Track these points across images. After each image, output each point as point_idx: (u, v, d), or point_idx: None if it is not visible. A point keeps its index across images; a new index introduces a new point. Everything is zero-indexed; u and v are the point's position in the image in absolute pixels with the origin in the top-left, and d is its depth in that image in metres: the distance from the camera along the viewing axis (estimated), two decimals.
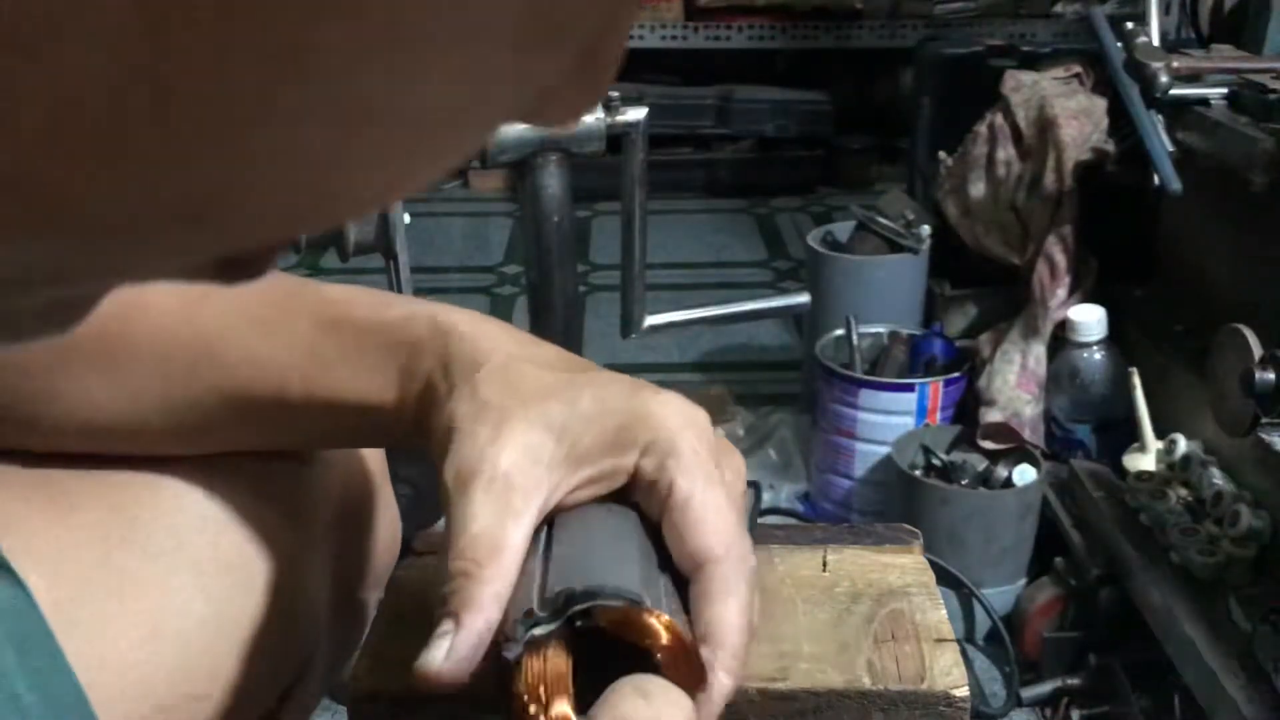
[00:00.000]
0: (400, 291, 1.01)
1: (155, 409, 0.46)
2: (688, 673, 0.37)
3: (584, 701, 0.35)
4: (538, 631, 0.36)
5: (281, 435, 0.48)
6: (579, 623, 0.36)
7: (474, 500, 0.39)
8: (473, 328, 0.45)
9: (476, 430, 0.40)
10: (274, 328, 0.46)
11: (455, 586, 0.38)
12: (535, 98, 0.19)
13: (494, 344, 0.43)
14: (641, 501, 0.42)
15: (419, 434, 0.44)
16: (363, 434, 0.48)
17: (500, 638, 0.37)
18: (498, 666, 0.36)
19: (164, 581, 0.46)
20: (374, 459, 0.57)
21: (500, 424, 0.40)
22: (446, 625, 0.37)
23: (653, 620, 0.36)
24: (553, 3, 0.17)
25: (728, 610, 0.39)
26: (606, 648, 0.36)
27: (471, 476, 0.39)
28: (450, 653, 0.37)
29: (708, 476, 0.40)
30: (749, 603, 0.39)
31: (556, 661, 0.36)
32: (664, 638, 0.36)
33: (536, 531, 0.40)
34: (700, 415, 0.42)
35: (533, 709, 0.35)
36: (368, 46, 0.15)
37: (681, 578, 0.40)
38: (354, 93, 0.15)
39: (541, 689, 0.35)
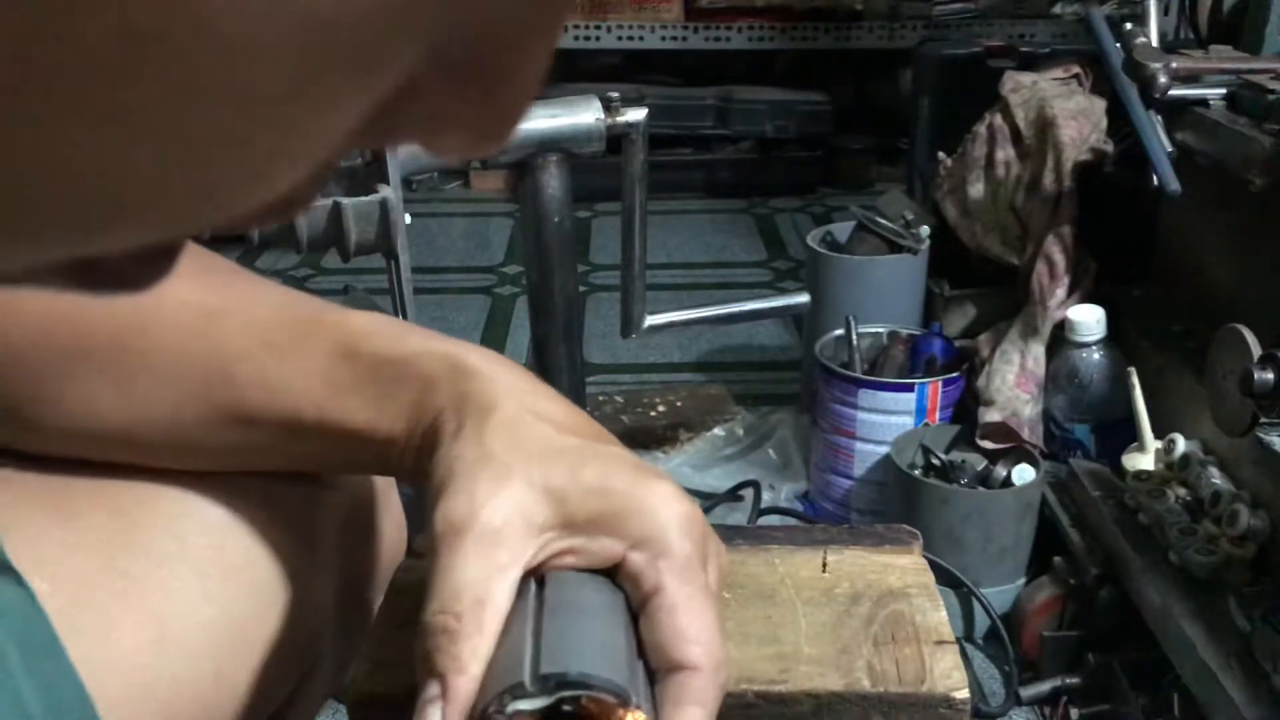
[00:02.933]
0: (400, 291, 1.01)
1: (163, 423, 0.46)
2: None
3: None
4: (523, 706, 0.36)
5: (286, 460, 0.48)
6: (565, 707, 0.37)
7: (462, 552, 0.39)
8: (489, 370, 0.44)
9: (476, 480, 0.40)
10: (289, 352, 0.46)
11: (439, 644, 0.38)
12: (393, 127, 0.20)
13: (509, 391, 0.43)
14: (625, 586, 0.41)
15: (418, 470, 0.44)
16: (366, 464, 0.48)
17: (481, 704, 0.37)
18: None
19: (168, 585, 0.46)
20: None
21: (501, 478, 0.40)
22: (433, 689, 0.37)
23: (634, 717, 0.37)
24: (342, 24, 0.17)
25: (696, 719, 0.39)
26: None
27: (464, 527, 0.39)
28: None
29: (695, 583, 0.40)
30: (715, 711, 0.39)
31: None
32: None
33: (524, 584, 0.40)
34: (695, 512, 0.42)
35: None
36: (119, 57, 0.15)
37: (649, 668, 0.40)
38: (114, 101, 0.16)
39: None
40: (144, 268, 0.22)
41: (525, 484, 0.40)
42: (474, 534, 0.39)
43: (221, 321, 0.46)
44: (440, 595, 0.38)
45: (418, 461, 0.44)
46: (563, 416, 0.44)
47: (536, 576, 0.41)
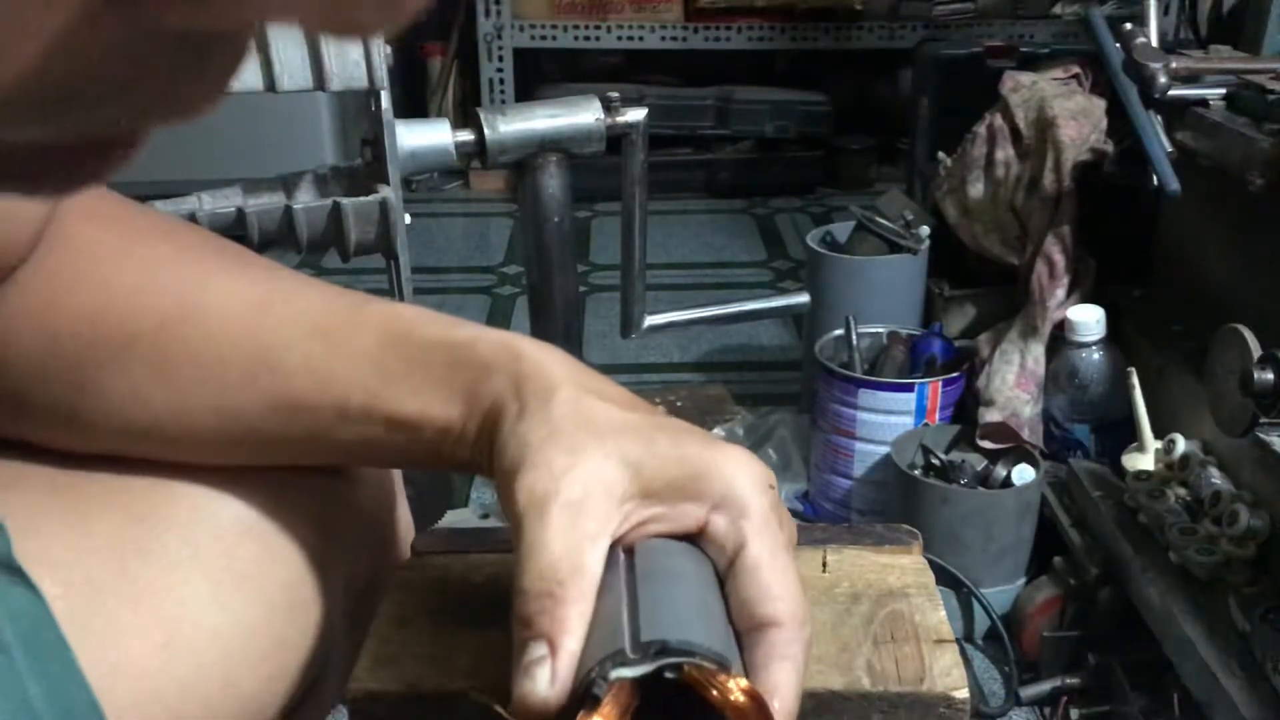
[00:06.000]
0: (400, 291, 1.01)
1: (207, 413, 0.46)
2: None
3: None
4: (625, 673, 0.37)
5: (333, 451, 0.48)
6: (666, 674, 0.37)
7: (551, 523, 0.39)
8: (544, 356, 0.44)
9: (551, 455, 0.40)
10: (337, 339, 0.46)
11: (542, 607, 0.38)
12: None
13: (566, 376, 0.43)
14: (709, 551, 0.42)
15: (477, 455, 0.44)
16: (417, 454, 0.47)
17: (583, 670, 0.37)
18: (572, 697, 0.37)
19: (179, 591, 0.46)
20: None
21: (576, 451, 0.40)
22: (540, 649, 0.37)
23: (737, 687, 0.37)
24: None
25: (789, 675, 0.39)
26: (670, 692, 0.37)
27: (547, 498, 0.39)
28: (554, 679, 0.37)
29: (777, 541, 0.41)
30: (805, 667, 0.40)
31: (630, 704, 0.37)
32: (745, 705, 0.37)
33: (612, 554, 0.41)
34: (768, 474, 0.43)
35: None
36: None
37: (736, 630, 0.41)
38: None
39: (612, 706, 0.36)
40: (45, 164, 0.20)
41: (602, 456, 0.40)
42: (558, 504, 0.39)
43: (268, 312, 0.46)
44: (538, 564, 0.38)
45: (475, 448, 0.44)
46: (620, 397, 0.45)
47: (624, 547, 0.42)
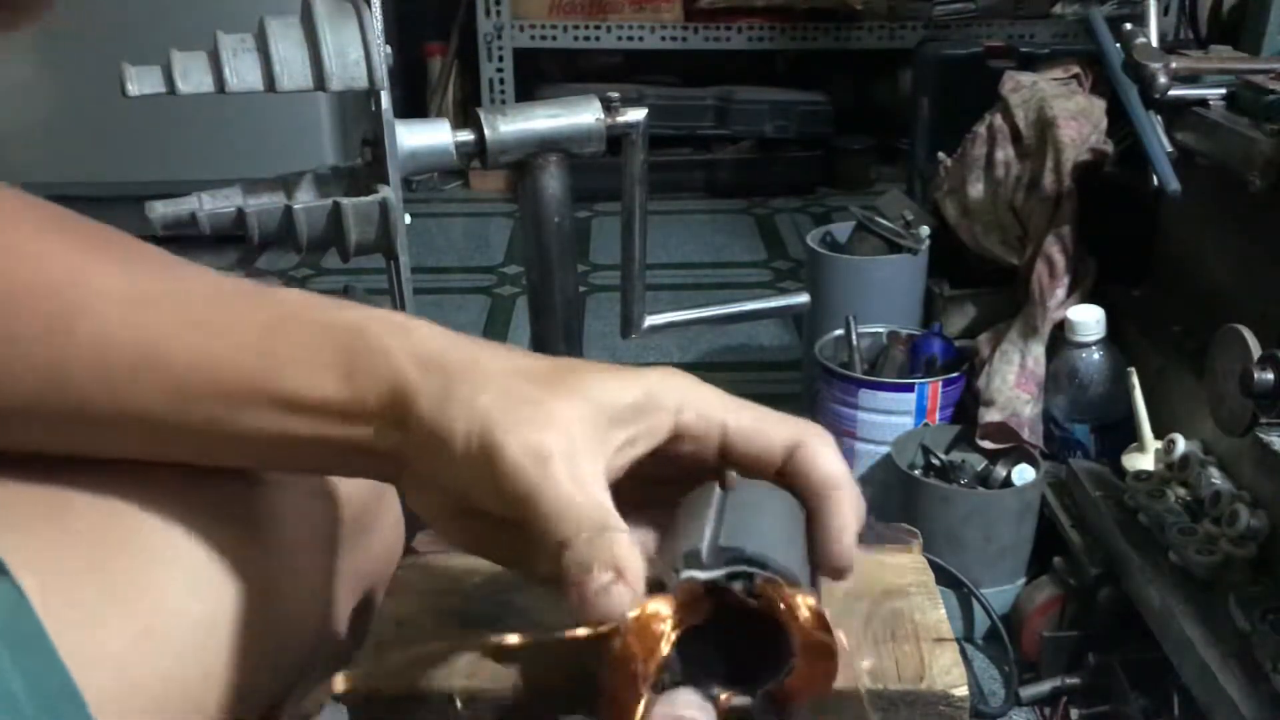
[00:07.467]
0: (401, 291, 1.01)
1: (102, 412, 0.45)
2: (820, 665, 0.38)
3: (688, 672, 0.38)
4: (697, 575, 0.38)
5: (238, 443, 0.46)
6: (737, 583, 0.38)
7: (559, 474, 0.40)
8: (434, 330, 0.45)
9: (521, 412, 0.41)
10: (221, 329, 0.45)
11: (598, 544, 0.38)
12: None
13: (467, 343, 0.44)
14: (693, 450, 0.44)
15: (385, 439, 0.43)
16: (318, 443, 0.45)
17: (655, 571, 0.38)
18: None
19: (158, 581, 0.46)
20: None
21: (539, 403, 0.41)
22: (606, 576, 0.38)
23: (805, 603, 0.38)
24: None
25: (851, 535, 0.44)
26: (735, 627, 0.38)
27: (544, 453, 0.40)
28: (633, 596, 0.37)
29: (744, 405, 0.45)
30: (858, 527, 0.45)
31: (698, 608, 0.38)
32: (811, 622, 0.38)
33: (708, 488, 0.44)
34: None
35: (655, 636, 0.37)
36: None
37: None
38: None
39: (676, 614, 0.37)
40: None
41: (564, 400, 0.41)
42: (559, 456, 0.40)
43: (148, 308, 0.46)
44: (573, 514, 0.39)
45: (382, 433, 0.43)
46: (521, 351, 0.45)
47: (721, 482, 0.44)
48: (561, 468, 0.40)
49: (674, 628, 0.37)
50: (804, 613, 0.37)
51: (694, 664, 0.38)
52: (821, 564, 0.44)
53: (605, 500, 0.40)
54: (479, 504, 0.42)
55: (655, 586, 0.38)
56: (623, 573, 0.38)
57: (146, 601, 0.45)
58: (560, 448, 0.40)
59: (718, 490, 0.43)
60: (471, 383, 0.42)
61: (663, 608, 0.37)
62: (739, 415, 0.45)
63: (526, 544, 0.40)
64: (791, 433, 0.45)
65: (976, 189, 1.48)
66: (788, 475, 0.45)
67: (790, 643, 0.38)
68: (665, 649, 0.37)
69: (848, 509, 0.45)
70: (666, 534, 0.43)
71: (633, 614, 0.37)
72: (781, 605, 0.37)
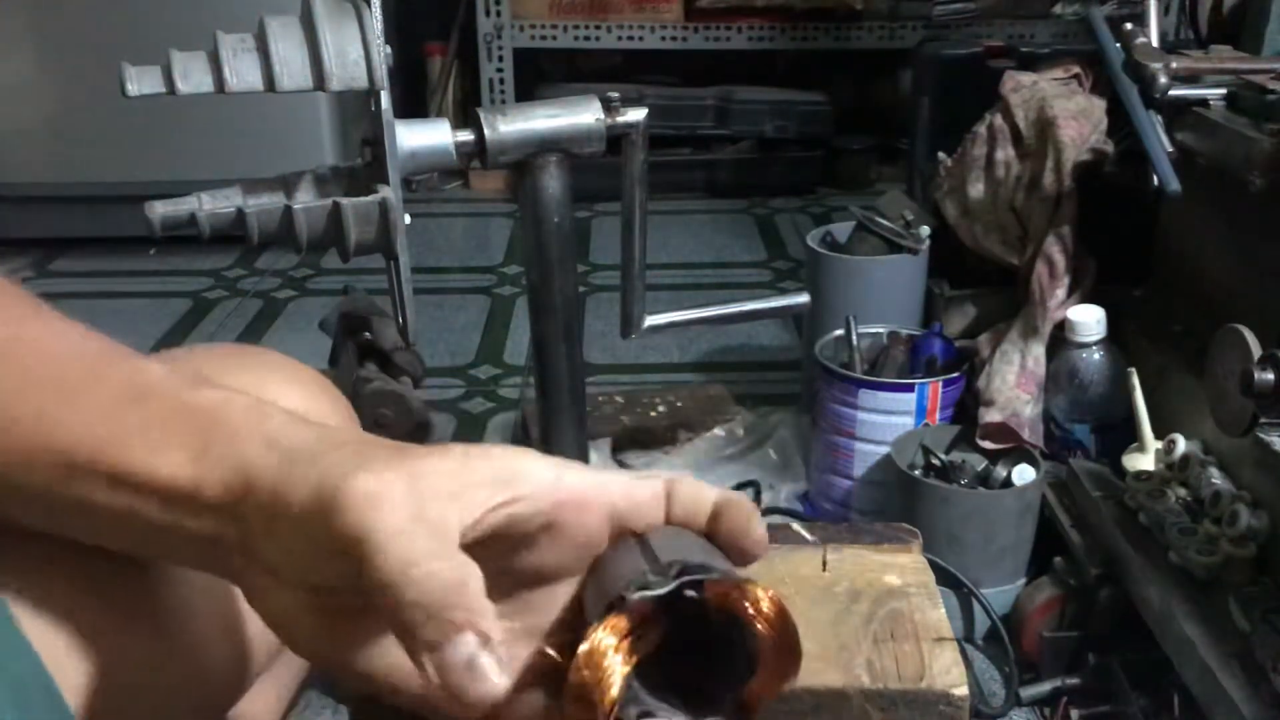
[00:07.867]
0: (400, 291, 1.01)
1: None
2: (785, 659, 0.39)
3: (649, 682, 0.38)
4: (649, 593, 0.38)
5: (73, 511, 0.44)
6: (688, 591, 0.38)
7: (398, 516, 0.37)
8: (292, 418, 0.43)
9: (363, 464, 0.39)
10: (73, 390, 0.43)
11: (449, 601, 0.36)
12: None
13: (329, 428, 0.42)
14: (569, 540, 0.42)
15: (224, 526, 0.41)
16: (156, 529, 0.43)
17: (602, 604, 0.38)
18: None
19: (135, 572, 0.47)
20: None
21: (391, 458, 0.39)
22: (468, 642, 0.36)
23: (764, 595, 0.38)
24: None
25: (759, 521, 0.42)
26: (689, 647, 0.38)
27: (383, 494, 0.38)
28: (501, 664, 0.37)
29: (585, 469, 0.42)
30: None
31: (650, 628, 0.38)
32: (773, 611, 0.38)
33: (624, 541, 0.42)
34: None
35: (615, 650, 0.37)
36: None
37: None
38: None
39: (629, 642, 0.37)
40: None
41: (420, 460, 0.39)
42: (397, 497, 0.37)
43: (6, 359, 0.44)
44: (418, 568, 0.36)
45: (222, 519, 0.41)
46: (399, 442, 0.43)
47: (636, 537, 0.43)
48: (400, 507, 0.37)
49: (629, 654, 0.37)
50: (765, 605, 0.38)
51: (658, 692, 0.38)
52: (741, 556, 0.42)
53: (459, 554, 0.37)
54: (323, 580, 0.39)
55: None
56: (485, 638, 0.36)
57: (124, 591, 0.46)
58: (400, 489, 0.37)
59: (630, 537, 0.42)
60: (320, 452, 0.40)
61: (607, 637, 0.37)
62: (619, 488, 0.42)
63: (386, 636, 0.38)
64: (661, 484, 0.42)
65: (976, 189, 1.48)
66: (678, 520, 0.43)
67: (751, 643, 0.38)
68: (618, 679, 0.37)
69: (743, 503, 0.43)
70: (590, 587, 0.42)
71: (583, 647, 0.36)
72: (744, 602, 0.37)
